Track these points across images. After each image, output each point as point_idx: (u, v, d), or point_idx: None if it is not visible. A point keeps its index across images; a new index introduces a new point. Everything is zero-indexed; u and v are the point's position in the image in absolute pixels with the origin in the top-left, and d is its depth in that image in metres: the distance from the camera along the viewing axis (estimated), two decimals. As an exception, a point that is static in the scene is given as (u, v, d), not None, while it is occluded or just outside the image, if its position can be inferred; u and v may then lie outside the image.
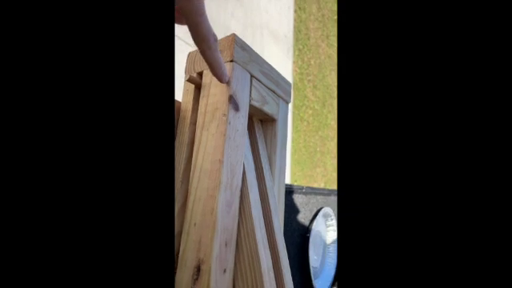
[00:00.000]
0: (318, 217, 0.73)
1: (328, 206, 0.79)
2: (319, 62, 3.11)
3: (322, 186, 2.82)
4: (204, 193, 0.29)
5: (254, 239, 0.29)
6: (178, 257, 0.28)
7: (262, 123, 0.39)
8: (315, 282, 0.70)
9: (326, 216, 0.77)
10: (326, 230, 0.79)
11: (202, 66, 0.33)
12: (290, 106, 2.56)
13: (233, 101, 0.30)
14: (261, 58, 0.36)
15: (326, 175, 2.94)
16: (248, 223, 0.30)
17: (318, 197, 0.78)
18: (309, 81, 2.89)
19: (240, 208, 0.30)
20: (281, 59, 2.50)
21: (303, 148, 2.64)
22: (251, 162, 0.34)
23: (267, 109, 0.37)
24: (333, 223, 0.79)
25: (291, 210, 0.66)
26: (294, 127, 2.58)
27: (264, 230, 0.31)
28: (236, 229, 0.30)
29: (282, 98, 0.40)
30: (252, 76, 0.34)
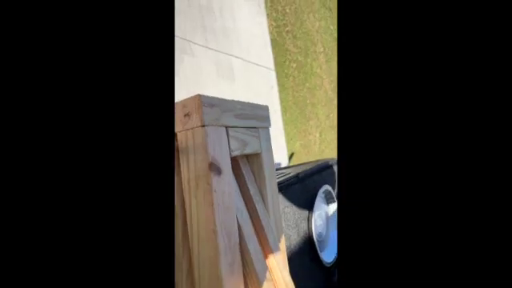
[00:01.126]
0: (317, 197, 0.76)
1: (325, 182, 0.82)
2: (295, 8, 2.91)
3: (317, 137, 2.87)
4: (206, 261, 0.30)
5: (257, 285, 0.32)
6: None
7: (246, 158, 0.39)
8: (322, 254, 0.77)
9: (325, 193, 0.81)
10: (326, 205, 0.83)
11: (176, 127, 0.32)
12: (273, 65, 2.47)
13: (214, 167, 0.30)
14: (231, 101, 0.34)
15: (320, 125, 2.97)
16: (252, 275, 0.32)
17: (315, 176, 0.81)
18: (287, 32, 2.74)
19: (242, 261, 0.32)
20: (253, 16, 2.33)
21: (293, 105, 2.62)
22: (243, 209, 0.35)
23: (249, 150, 0.36)
24: (333, 196, 0.84)
25: (292, 200, 0.69)
26: (281, 86, 2.53)
27: (268, 271, 0.34)
28: (242, 280, 0.32)
29: (262, 127, 0.40)
30: (227, 127, 0.33)
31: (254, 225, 0.36)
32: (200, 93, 0.31)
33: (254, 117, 0.38)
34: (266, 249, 0.36)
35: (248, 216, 0.35)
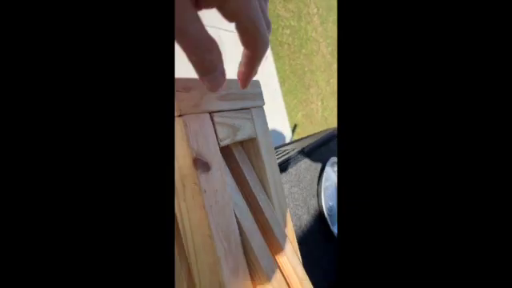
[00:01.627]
0: (325, 170, 0.72)
1: (333, 154, 0.78)
2: (282, -33, 2.70)
3: (319, 105, 2.79)
4: (206, 269, 0.26)
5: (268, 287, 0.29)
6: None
7: (241, 144, 0.34)
8: (334, 228, 0.74)
9: (333, 165, 0.77)
10: (335, 175, 0.79)
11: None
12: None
13: (199, 163, 0.25)
14: (214, 81, 0.29)
15: (321, 93, 2.87)
16: (260, 276, 0.28)
17: (322, 149, 0.76)
18: (276, -5, 2.56)
19: (248, 262, 0.29)
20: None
21: (291, 74, 2.51)
22: (242, 204, 0.31)
23: (242, 135, 0.31)
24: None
25: (298, 178, 0.65)
26: (276, 55, 2.41)
27: (278, 272, 0.30)
28: (250, 283, 0.28)
29: (255, 107, 0.34)
30: (211, 113, 0.28)
31: (256, 220, 0.32)
32: (185, 73, 0.26)
33: (244, 96, 0.33)
34: (274, 244, 0.32)
35: (248, 211, 0.31)
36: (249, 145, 0.34)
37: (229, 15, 0.21)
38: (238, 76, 0.27)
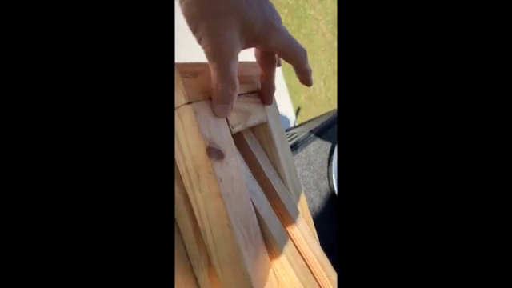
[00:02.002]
0: (335, 151, 0.71)
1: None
2: None
3: (321, 85, 2.74)
4: (227, 258, 0.26)
5: (290, 272, 0.28)
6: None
7: (252, 130, 0.33)
8: None
9: (341, 146, 0.75)
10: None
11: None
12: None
13: (213, 152, 0.24)
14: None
15: (323, 72, 2.81)
16: (280, 259, 0.28)
17: (329, 131, 0.74)
18: (272, -26, 2.47)
19: (267, 247, 0.28)
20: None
21: (291, 55, 2.45)
22: (258, 191, 0.30)
23: (253, 120, 0.30)
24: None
25: (309, 161, 0.64)
26: (275, 36, 2.34)
27: (298, 255, 0.30)
28: (271, 267, 0.28)
29: (264, 90, 0.33)
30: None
31: (273, 205, 0.31)
32: (181, 57, 0.24)
33: (252, 78, 0.31)
34: (291, 227, 0.31)
35: (264, 197, 0.30)
36: (260, 130, 0.33)
37: (274, 51, 0.27)
38: (265, 95, 0.31)
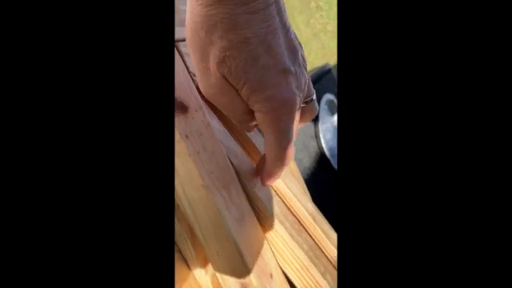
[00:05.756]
0: (320, 110, 0.68)
1: (326, 91, 0.73)
2: None
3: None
4: (207, 222, 0.23)
5: (281, 230, 0.26)
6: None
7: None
8: (334, 162, 0.72)
9: (327, 104, 0.72)
10: (331, 116, 0.75)
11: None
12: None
13: (177, 104, 0.21)
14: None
15: (301, 35, 2.71)
16: (269, 220, 0.26)
17: (314, 86, 0.71)
18: None
19: (253, 208, 0.26)
20: None
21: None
22: (237, 148, 0.27)
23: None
24: (336, 105, 0.75)
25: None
26: None
27: (289, 213, 0.27)
28: (260, 230, 0.26)
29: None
30: (176, 41, 0.22)
31: (255, 162, 0.28)
32: None
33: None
34: (278, 184, 0.29)
35: (244, 154, 0.27)
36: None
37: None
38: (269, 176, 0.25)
